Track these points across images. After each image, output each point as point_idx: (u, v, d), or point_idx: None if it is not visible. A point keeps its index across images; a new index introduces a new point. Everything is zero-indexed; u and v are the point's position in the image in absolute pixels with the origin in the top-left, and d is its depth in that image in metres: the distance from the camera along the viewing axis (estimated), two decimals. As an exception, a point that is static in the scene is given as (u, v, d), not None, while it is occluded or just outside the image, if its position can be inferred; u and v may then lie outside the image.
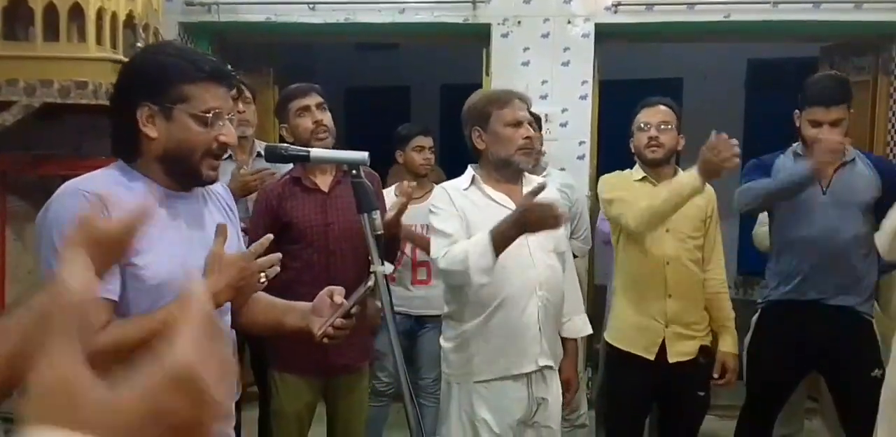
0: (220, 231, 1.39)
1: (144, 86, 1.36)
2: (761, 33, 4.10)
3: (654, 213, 2.37)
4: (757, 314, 2.83)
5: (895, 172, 2.72)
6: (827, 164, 2.44)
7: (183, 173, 1.40)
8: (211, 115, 1.36)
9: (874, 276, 2.69)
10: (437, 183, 3.52)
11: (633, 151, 2.65)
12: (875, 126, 4.03)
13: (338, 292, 1.51)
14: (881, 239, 2.30)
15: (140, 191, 1.36)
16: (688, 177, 2.30)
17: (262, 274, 1.39)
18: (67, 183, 1.34)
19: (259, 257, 2.33)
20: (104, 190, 1.30)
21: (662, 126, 2.55)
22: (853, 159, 2.70)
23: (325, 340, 1.46)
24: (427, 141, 3.26)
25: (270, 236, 1.46)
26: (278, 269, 1.44)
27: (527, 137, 2.20)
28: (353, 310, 1.47)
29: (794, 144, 2.82)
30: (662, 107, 2.59)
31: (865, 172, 2.68)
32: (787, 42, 4.68)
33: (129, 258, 1.29)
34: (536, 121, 3.35)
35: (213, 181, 1.46)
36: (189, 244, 1.38)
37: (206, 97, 1.36)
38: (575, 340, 2.39)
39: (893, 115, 3.99)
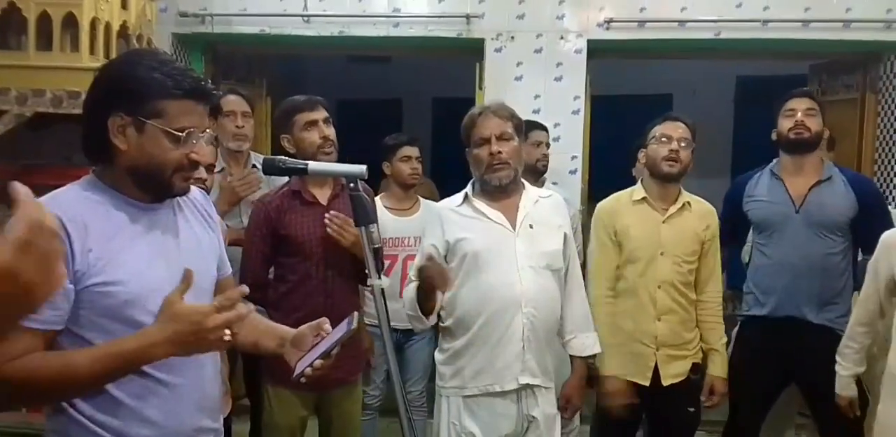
0: (185, 277, 1.27)
1: (120, 96, 1.31)
2: (751, 51, 4.16)
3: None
4: (736, 328, 2.86)
5: (869, 192, 2.75)
6: None
7: (153, 187, 1.36)
8: (184, 133, 1.32)
9: (850, 294, 2.68)
10: (427, 196, 3.55)
11: (642, 162, 2.63)
12: (863, 144, 4.08)
13: (324, 324, 1.50)
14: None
15: (108, 207, 1.33)
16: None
17: (227, 331, 1.23)
18: None
19: (252, 272, 2.24)
20: (68, 211, 1.27)
21: (682, 142, 2.52)
22: (829, 178, 2.71)
23: (302, 380, 1.43)
24: (414, 151, 3.24)
25: (245, 290, 1.29)
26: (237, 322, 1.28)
27: (492, 154, 2.17)
28: (334, 351, 1.44)
29: (773, 162, 2.84)
30: (682, 124, 2.57)
31: (842, 191, 2.69)
32: (777, 60, 4.74)
33: (94, 279, 1.26)
34: (539, 127, 3.37)
35: (185, 193, 1.42)
36: (164, 257, 1.35)
37: (181, 115, 1.32)
38: (582, 358, 2.37)
39: (881, 133, 4.04)
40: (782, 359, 2.69)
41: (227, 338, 1.24)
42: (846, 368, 2.41)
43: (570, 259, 2.31)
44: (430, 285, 2.01)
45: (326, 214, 2.29)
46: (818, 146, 2.76)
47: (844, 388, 2.43)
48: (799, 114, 2.70)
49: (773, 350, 2.70)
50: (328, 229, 2.28)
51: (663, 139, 2.53)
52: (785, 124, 2.73)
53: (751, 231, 2.93)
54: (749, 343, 2.78)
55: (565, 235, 2.27)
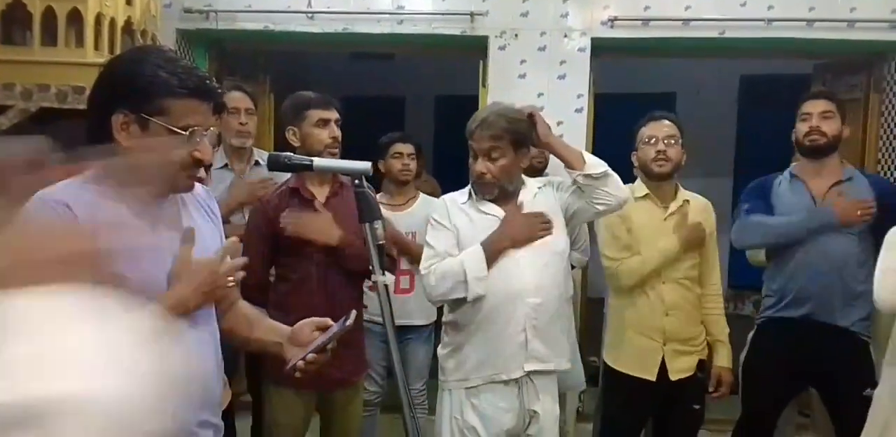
0: (187, 237, 1.35)
1: (124, 93, 1.32)
2: (755, 50, 4.15)
3: (647, 273, 2.52)
4: (753, 331, 2.83)
5: (890, 192, 2.70)
6: (854, 222, 2.55)
7: (157, 184, 1.38)
8: (188, 132, 1.33)
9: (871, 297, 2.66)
10: (430, 193, 3.55)
11: (636, 165, 2.64)
12: (866, 144, 4.07)
13: (319, 325, 1.51)
14: (877, 288, 2.27)
15: (111, 200, 1.33)
16: (671, 244, 2.50)
17: (230, 278, 1.36)
18: (35, 194, 1.28)
19: (252, 272, 2.31)
20: (74, 198, 1.27)
21: (669, 140, 2.53)
22: (850, 178, 2.68)
23: (297, 373, 1.45)
24: (406, 148, 3.25)
25: (235, 239, 1.47)
26: (243, 273, 1.42)
27: (476, 172, 2.22)
28: (329, 346, 1.45)
29: (792, 165, 2.82)
30: (667, 121, 2.58)
31: (862, 192, 2.65)
32: (781, 59, 4.73)
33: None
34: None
35: (188, 191, 1.43)
36: (169, 251, 1.36)
37: (185, 113, 1.32)
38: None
39: (885, 132, 4.04)
40: (799, 361, 2.64)
41: (230, 283, 1.37)
42: None
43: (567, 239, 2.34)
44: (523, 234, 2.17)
45: (281, 216, 2.27)
46: (836, 149, 2.70)
47: None
48: (814, 118, 2.65)
49: (789, 352, 2.65)
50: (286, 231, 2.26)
51: (650, 141, 2.54)
52: (800, 129, 2.68)
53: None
54: (766, 345, 2.75)
55: (562, 208, 2.30)
